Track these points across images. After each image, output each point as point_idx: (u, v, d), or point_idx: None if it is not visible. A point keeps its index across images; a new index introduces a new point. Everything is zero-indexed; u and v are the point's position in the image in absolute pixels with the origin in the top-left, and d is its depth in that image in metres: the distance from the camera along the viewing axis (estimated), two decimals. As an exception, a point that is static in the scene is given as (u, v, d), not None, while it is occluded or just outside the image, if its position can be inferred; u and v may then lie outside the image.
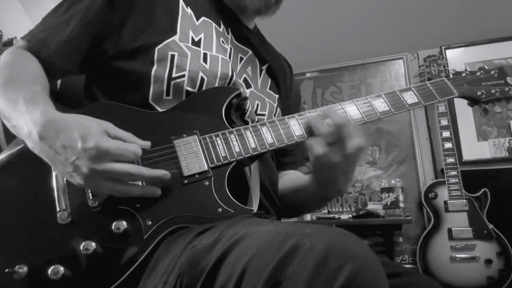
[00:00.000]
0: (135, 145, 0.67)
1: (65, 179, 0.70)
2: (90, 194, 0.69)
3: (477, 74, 1.04)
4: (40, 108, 0.69)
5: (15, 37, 2.30)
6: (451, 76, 1.05)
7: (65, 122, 0.66)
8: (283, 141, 0.81)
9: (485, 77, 1.03)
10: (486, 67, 1.06)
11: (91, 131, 0.64)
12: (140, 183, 0.68)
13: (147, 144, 0.70)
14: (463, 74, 1.03)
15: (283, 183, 1.06)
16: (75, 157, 0.62)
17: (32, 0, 2.58)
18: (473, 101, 1.03)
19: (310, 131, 0.81)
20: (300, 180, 1.01)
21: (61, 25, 0.83)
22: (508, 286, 2.26)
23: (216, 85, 0.87)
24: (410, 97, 0.92)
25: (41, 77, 0.80)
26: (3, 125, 0.89)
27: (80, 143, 0.62)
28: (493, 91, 1.01)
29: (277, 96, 1.07)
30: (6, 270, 0.63)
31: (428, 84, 0.96)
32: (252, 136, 0.80)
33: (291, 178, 1.07)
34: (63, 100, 0.89)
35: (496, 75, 1.04)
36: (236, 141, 0.79)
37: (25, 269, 0.64)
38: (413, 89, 0.93)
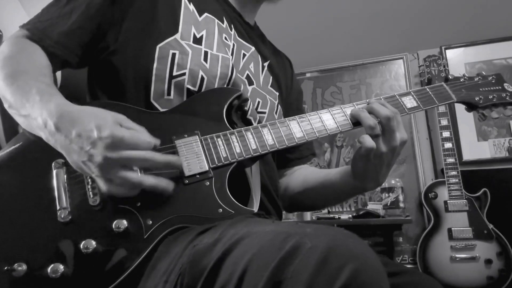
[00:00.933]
0: (148, 135, 0.68)
1: (65, 177, 0.70)
2: (91, 193, 0.69)
3: (475, 79, 1.06)
4: (55, 99, 0.70)
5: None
6: (450, 76, 1.06)
7: (81, 113, 0.67)
8: (284, 143, 0.82)
9: (483, 83, 1.05)
10: (484, 73, 1.08)
11: (106, 121, 0.65)
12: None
13: (157, 141, 0.70)
14: (461, 80, 1.05)
15: (305, 177, 1.07)
16: (90, 146, 0.63)
17: (33, 0, 2.58)
18: (471, 107, 1.04)
19: (356, 123, 0.85)
20: (329, 173, 1.01)
21: (63, 16, 0.83)
22: (508, 286, 2.26)
23: (216, 84, 0.88)
24: (409, 102, 0.93)
25: (49, 68, 0.80)
26: (3, 123, 0.89)
27: (96, 132, 0.63)
28: (490, 97, 1.02)
29: (277, 93, 1.07)
30: (5, 268, 0.63)
31: (427, 89, 0.97)
32: (253, 137, 0.80)
33: (313, 172, 1.08)
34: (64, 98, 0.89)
35: (493, 81, 1.06)
36: (237, 142, 0.79)
37: (24, 267, 0.63)
38: (412, 93, 0.95)
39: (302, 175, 1.09)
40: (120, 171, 0.64)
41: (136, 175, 0.66)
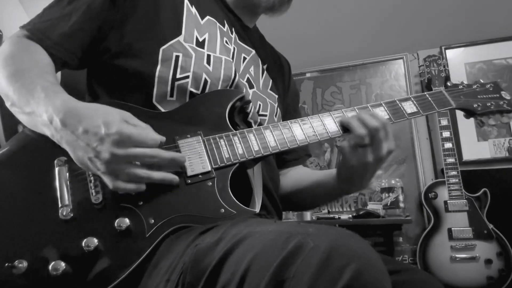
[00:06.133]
0: (155, 133, 0.69)
1: (67, 174, 0.70)
2: (93, 190, 0.69)
3: (474, 87, 1.08)
4: (61, 96, 0.70)
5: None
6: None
7: (88, 109, 0.67)
8: (286, 145, 0.83)
9: (481, 90, 1.07)
10: (482, 81, 1.10)
11: (114, 118, 0.65)
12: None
13: (162, 139, 0.71)
14: (460, 87, 1.07)
15: (298, 178, 1.08)
16: (97, 143, 0.63)
17: (33, 0, 2.58)
18: (469, 113, 1.06)
19: (345, 129, 0.86)
20: (319, 174, 1.04)
21: (63, 17, 0.83)
22: (508, 286, 2.25)
23: (219, 87, 0.88)
24: (409, 107, 0.95)
25: (51, 66, 0.80)
26: (3, 123, 0.89)
27: (104, 129, 0.64)
28: (488, 104, 1.05)
29: (276, 96, 1.07)
30: (6, 264, 0.63)
31: (427, 95, 0.99)
32: (256, 139, 0.81)
33: (306, 173, 1.10)
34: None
35: (491, 89, 1.08)
36: (240, 143, 0.79)
37: (24, 264, 0.63)
38: (412, 99, 0.97)
39: (294, 176, 1.10)
40: (127, 167, 0.65)
41: (143, 171, 0.66)
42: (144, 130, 0.68)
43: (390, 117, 0.92)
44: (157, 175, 0.68)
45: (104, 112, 0.67)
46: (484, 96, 1.06)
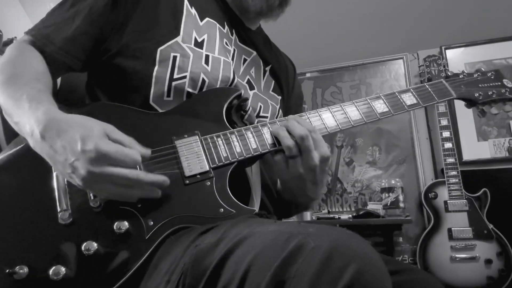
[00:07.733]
0: (135, 151, 0.66)
1: (65, 179, 0.70)
2: (91, 195, 0.69)
3: (474, 76, 1.06)
4: (43, 106, 0.68)
5: (15, 37, 2.30)
6: (449, 73, 1.06)
7: (67, 122, 0.65)
8: None
9: (482, 79, 1.05)
10: (483, 69, 1.07)
11: (92, 133, 0.63)
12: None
13: (147, 152, 0.69)
14: (461, 76, 1.05)
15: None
16: (74, 158, 0.62)
17: (32, 0, 2.58)
18: (471, 103, 1.04)
19: (278, 142, 0.81)
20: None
21: (66, 21, 0.83)
22: (508, 286, 2.26)
23: (217, 87, 0.88)
24: (409, 99, 0.93)
25: (45, 74, 0.79)
26: (3, 124, 0.89)
27: (80, 145, 0.62)
28: (490, 93, 1.02)
29: (279, 97, 1.07)
30: (7, 270, 0.62)
31: (427, 86, 0.97)
32: (253, 137, 0.80)
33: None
34: (63, 100, 0.88)
35: (492, 77, 1.05)
36: (237, 141, 0.79)
37: (25, 269, 0.63)
38: (412, 90, 0.95)
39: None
40: (105, 185, 0.64)
41: (120, 190, 0.65)
42: (122, 149, 0.64)
43: (390, 109, 0.90)
44: (136, 193, 0.66)
45: (84, 125, 0.65)
46: (486, 85, 1.03)
